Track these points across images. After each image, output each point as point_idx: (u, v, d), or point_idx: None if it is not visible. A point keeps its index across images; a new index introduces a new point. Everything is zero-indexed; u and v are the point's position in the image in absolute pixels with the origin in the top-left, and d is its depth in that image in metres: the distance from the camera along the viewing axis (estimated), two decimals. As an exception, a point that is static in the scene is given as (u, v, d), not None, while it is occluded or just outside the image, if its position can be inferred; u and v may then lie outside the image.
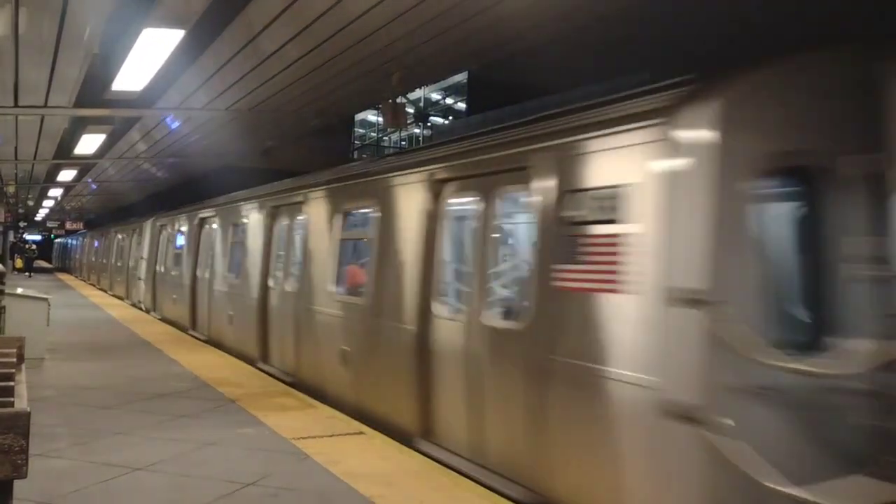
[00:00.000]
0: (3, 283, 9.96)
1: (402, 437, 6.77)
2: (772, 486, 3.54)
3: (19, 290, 12.15)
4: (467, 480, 5.73)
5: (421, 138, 43.10)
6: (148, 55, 6.91)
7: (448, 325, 6.42)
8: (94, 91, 8.43)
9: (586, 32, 7.49)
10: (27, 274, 36.42)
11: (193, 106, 9.80)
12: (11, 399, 3.64)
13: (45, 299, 11.37)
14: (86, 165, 17.47)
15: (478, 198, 6.23)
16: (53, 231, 41.27)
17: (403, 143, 46.95)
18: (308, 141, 14.72)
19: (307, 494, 5.34)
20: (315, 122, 10.25)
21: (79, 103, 9.04)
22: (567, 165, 5.01)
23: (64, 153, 14.31)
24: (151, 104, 9.33)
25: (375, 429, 7.15)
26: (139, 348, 12.62)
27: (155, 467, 5.87)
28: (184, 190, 21.10)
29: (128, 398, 8.37)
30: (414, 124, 42.08)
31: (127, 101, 8.80)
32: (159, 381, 9.41)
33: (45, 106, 9.29)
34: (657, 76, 5.31)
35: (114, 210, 34.89)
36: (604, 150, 4.75)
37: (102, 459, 6.02)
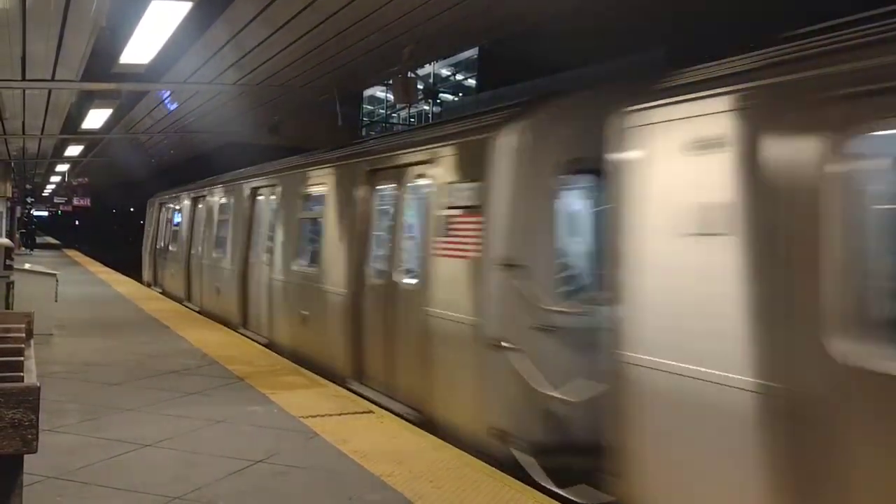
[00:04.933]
0: (11, 259, 9.95)
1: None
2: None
3: (27, 266, 12.16)
4: (477, 460, 5.71)
5: (430, 115, 42.89)
6: (155, 28, 6.81)
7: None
8: (101, 65, 8.33)
9: (600, 7, 7.35)
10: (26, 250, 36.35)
11: (201, 80, 9.69)
12: (21, 374, 3.61)
13: (54, 275, 11.38)
14: (93, 141, 17.39)
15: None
16: (60, 207, 41.32)
17: (412, 119, 46.68)
18: (316, 117, 14.59)
19: (316, 472, 5.32)
20: (325, 96, 10.13)
21: (86, 77, 8.95)
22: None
23: (71, 128, 14.24)
24: (159, 78, 9.22)
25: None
26: (147, 325, 12.64)
27: (163, 444, 5.86)
28: (190, 166, 21.09)
29: (136, 375, 8.37)
30: (423, 101, 41.80)
31: (134, 75, 8.71)
32: (168, 358, 9.42)
33: (53, 80, 9.20)
34: (673, 53, 5.22)
35: (120, 186, 34.86)
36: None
37: (111, 435, 6.02)
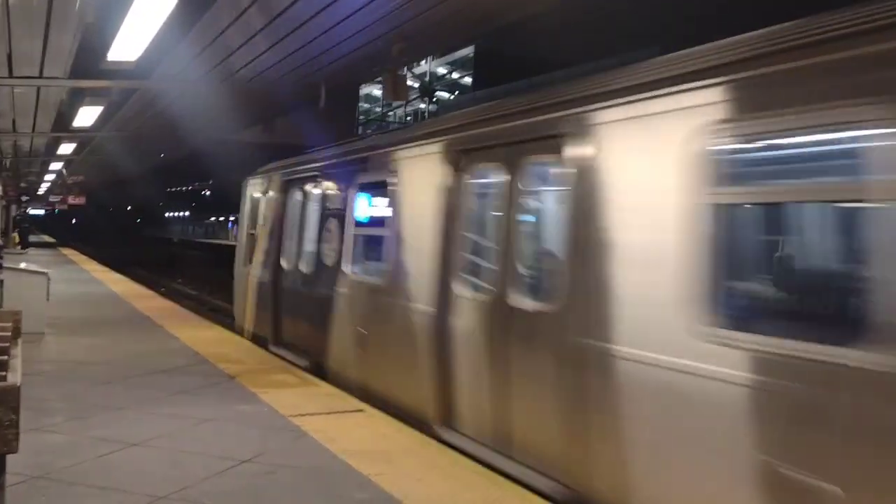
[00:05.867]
0: (1, 258, 9.91)
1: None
2: None
3: (22, 265, 12.12)
4: (465, 458, 5.68)
5: (426, 113, 42.86)
6: (142, 24, 6.77)
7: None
8: (89, 62, 8.30)
9: (597, 3, 7.30)
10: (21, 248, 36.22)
11: (190, 77, 9.64)
12: (5, 373, 3.57)
13: (45, 274, 11.33)
14: (85, 139, 17.33)
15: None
16: (56, 206, 41.29)
17: (409, 118, 46.64)
18: (310, 114, 14.53)
19: (304, 472, 5.28)
20: (321, 91, 10.07)
21: (74, 74, 8.91)
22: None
23: (62, 126, 14.20)
24: (148, 75, 9.18)
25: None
26: (139, 323, 12.59)
27: (151, 443, 5.82)
28: (184, 165, 20.94)
29: (126, 373, 8.32)
30: (419, 99, 41.80)
31: (123, 72, 8.67)
32: (158, 357, 9.37)
33: (41, 77, 9.15)
34: (668, 50, 5.18)
35: (116, 185, 34.79)
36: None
37: (99, 434, 5.97)
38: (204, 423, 6.44)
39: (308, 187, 10.02)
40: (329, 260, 8.97)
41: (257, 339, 11.04)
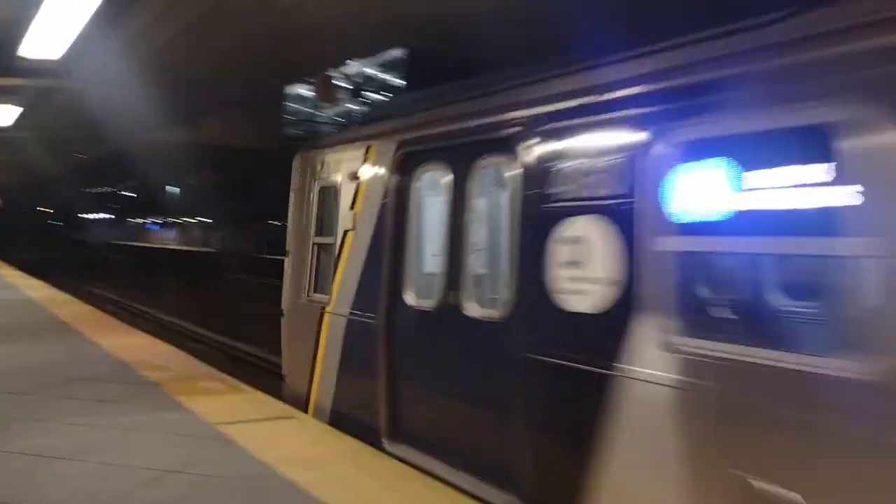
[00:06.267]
0: None
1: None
2: None
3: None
4: (399, 463, 5.67)
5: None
6: (62, 20, 6.51)
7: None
8: (3, 58, 7.96)
9: (532, 5, 7.37)
10: None
11: (112, 76, 9.34)
12: None
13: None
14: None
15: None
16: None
17: (339, 119, 46.39)
18: (239, 115, 14.29)
19: (234, 481, 5.18)
20: (240, 92, 9.92)
21: (-12, 71, 8.53)
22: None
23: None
24: (67, 74, 8.86)
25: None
26: (58, 330, 12.16)
27: (73, 455, 5.62)
28: (108, 165, 20.32)
29: (45, 383, 8.02)
30: (350, 100, 41.57)
31: (40, 70, 8.34)
32: (78, 365, 9.06)
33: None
34: (605, 52, 5.24)
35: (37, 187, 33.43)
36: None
37: (17, 448, 5.75)
38: (129, 433, 6.26)
39: (480, 162, 5.37)
40: (575, 302, 4.42)
41: (342, 422, 6.59)
